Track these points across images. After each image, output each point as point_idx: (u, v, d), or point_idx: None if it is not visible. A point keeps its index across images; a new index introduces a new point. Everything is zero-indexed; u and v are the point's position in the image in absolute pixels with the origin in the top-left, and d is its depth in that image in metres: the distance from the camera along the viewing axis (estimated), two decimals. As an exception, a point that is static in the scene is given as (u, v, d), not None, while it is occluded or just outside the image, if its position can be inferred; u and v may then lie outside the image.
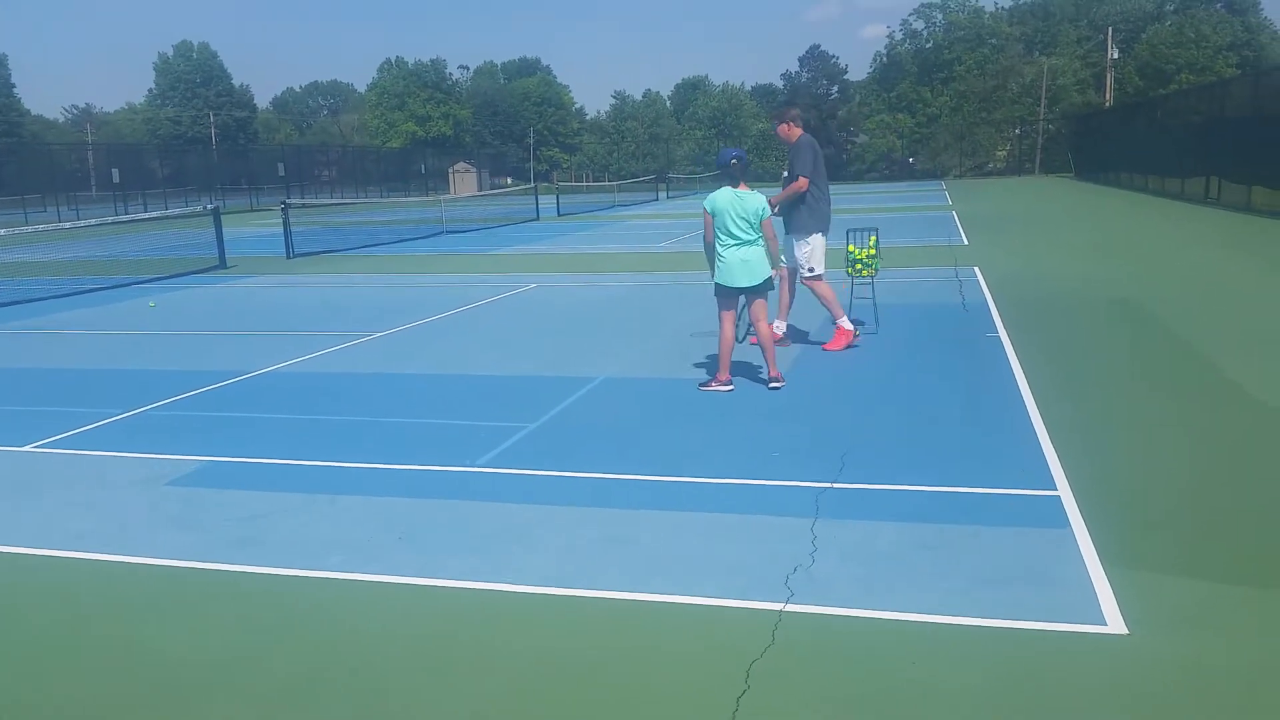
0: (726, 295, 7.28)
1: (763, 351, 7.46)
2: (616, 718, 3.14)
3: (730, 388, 7.28)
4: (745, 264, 7.15)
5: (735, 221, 7.10)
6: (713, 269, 7.33)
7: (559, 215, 34.60)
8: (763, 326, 7.39)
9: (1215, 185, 26.33)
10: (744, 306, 7.51)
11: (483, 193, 59.08)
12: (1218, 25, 69.58)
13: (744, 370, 7.87)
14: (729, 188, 7.16)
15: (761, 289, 7.29)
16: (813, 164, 8.54)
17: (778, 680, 3.28)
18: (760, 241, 7.20)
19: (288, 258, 20.20)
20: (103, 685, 3.45)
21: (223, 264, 18.70)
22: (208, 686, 3.40)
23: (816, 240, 8.67)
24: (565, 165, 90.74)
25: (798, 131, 8.72)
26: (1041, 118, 70.34)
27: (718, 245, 7.21)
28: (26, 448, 6.44)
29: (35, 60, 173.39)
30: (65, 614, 4.04)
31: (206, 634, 3.80)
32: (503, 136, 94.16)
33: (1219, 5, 74.20)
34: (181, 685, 3.42)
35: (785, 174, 8.72)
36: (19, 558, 4.64)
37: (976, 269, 14.22)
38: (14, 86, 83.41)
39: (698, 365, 8.24)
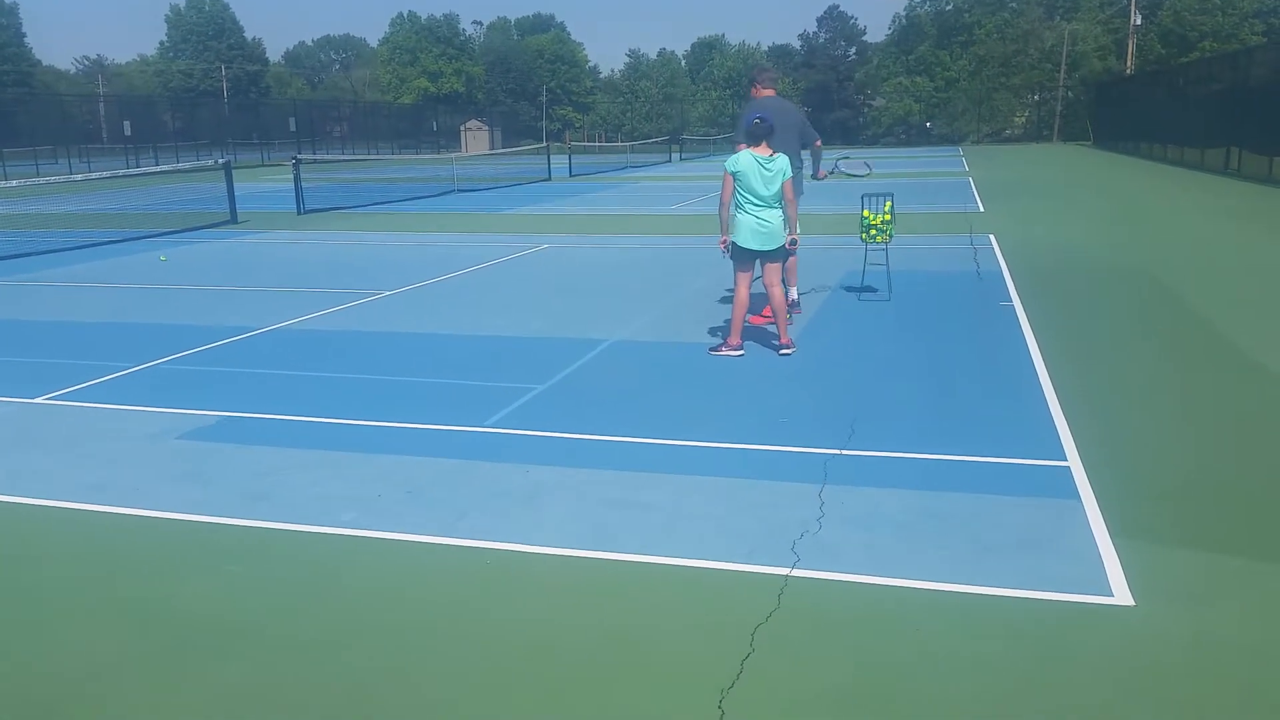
0: (742, 257, 7.24)
1: (774, 317, 7.43)
2: (620, 678, 3.16)
3: (741, 352, 7.26)
4: (762, 225, 7.10)
5: (757, 183, 7.05)
6: (724, 230, 7.28)
7: (571, 175, 34.41)
8: (775, 291, 7.34)
9: (1236, 156, 26.00)
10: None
11: (494, 151, 58.77)
12: (1244, -9, 68.26)
13: (755, 335, 7.84)
14: (750, 150, 7.10)
15: (776, 254, 7.25)
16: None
17: (782, 644, 3.30)
18: (779, 205, 7.16)
19: (298, 213, 20.16)
20: (112, 638, 3.49)
21: (234, 219, 18.68)
22: (218, 641, 3.43)
23: None
24: (578, 125, 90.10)
25: (767, 92, 8.71)
26: (1061, 84, 69.45)
27: (738, 207, 7.16)
28: (38, 400, 6.48)
29: (46, 10, 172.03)
30: (75, 566, 4.08)
31: (217, 589, 3.83)
32: (515, 94, 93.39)
33: (1247, -30, 72.77)
34: (191, 639, 3.45)
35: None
36: (30, 509, 4.67)
37: (992, 237, 14.11)
38: (25, 36, 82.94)
39: (708, 329, 8.21)
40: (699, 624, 3.46)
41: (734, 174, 7.08)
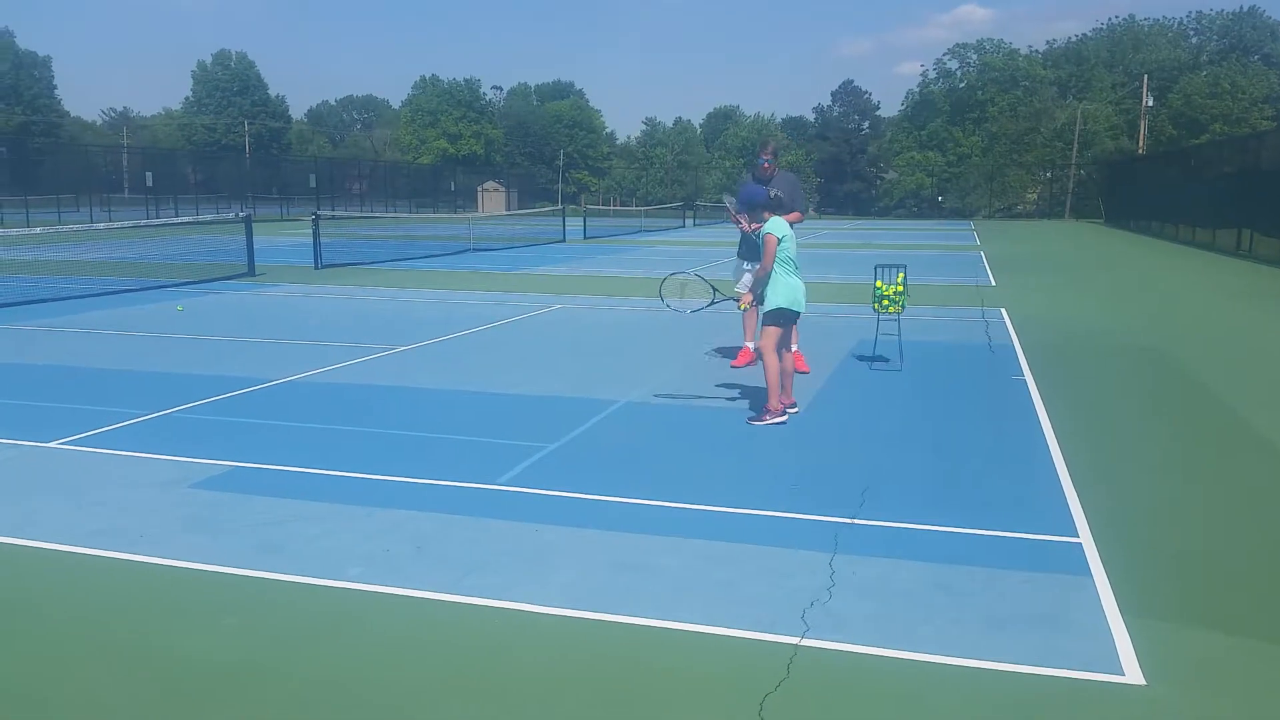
0: (788, 321, 7.34)
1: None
2: (627, 744, 3.12)
3: (784, 419, 7.18)
4: (802, 289, 7.37)
5: (791, 248, 7.31)
6: (762, 296, 7.35)
7: (585, 238, 34.75)
8: (789, 354, 7.44)
9: (1248, 237, 26.14)
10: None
11: (510, 212, 59.44)
12: (1254, 77, 69.38)
13: (761, 398, 7.84)
14: (779, 217, 7.38)
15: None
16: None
17: (790, 714, 3.26)
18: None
19: (316, 268, 20.38)
20: (116, 685, 3.47)
21: (251, 271, 18.89)
22: (222, 692, 3.41)
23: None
24: (594, 188, 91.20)
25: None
26: (1073, 162, 70.19)
27: (781, 271, 7.28)
28: (51, 444, 6.51)
29: (77, 63, 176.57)
30: (83, 612, 4.07)
31: (223, 639, 3.81)
32: (533, 157, 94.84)
33: (1255, 58, 74.04)
34: (195, 689, 3.43)
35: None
36: (39, 553, 4.68)
37: (1003, 310, 14.16)
38: (55, 88, 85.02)
39: (721, 392, 8.23)
40: (707, 691, 3.43)
41: (780, 239, 7.22)
